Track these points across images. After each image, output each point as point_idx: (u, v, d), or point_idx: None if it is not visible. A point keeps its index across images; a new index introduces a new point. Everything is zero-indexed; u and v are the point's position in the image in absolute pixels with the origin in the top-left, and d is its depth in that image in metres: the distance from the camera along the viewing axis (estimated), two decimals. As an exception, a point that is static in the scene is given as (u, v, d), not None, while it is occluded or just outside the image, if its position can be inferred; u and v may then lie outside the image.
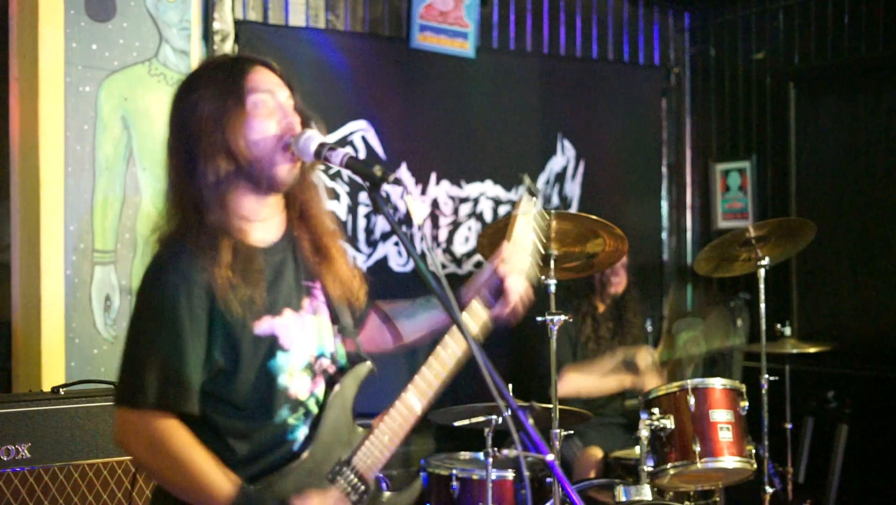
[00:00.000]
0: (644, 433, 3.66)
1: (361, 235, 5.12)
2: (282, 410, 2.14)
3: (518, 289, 2.35)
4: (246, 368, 2.10)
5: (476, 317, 2.31)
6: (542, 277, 3.57)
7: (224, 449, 2.11)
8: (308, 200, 2.28)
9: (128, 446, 2.11)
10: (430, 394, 2.27)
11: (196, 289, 2.07)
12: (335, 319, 2.28)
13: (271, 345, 2.13)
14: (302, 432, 2.17)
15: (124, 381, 2.10)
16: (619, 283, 4.91)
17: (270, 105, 2.16)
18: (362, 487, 2.20)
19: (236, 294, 2.08)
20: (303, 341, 2.18)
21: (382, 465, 2.24)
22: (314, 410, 2.19)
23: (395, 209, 4.81)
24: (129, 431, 2.09)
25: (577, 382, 4.65)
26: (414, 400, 2.24)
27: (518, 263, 2.40)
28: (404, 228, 5.14)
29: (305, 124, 2.21)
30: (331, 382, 2.23)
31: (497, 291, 2.35)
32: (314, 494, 2.11)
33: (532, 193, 2.50)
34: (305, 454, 2.16)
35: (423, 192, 5.30)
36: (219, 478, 2.05)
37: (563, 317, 3.58)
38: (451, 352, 2.29)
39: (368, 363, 2.29)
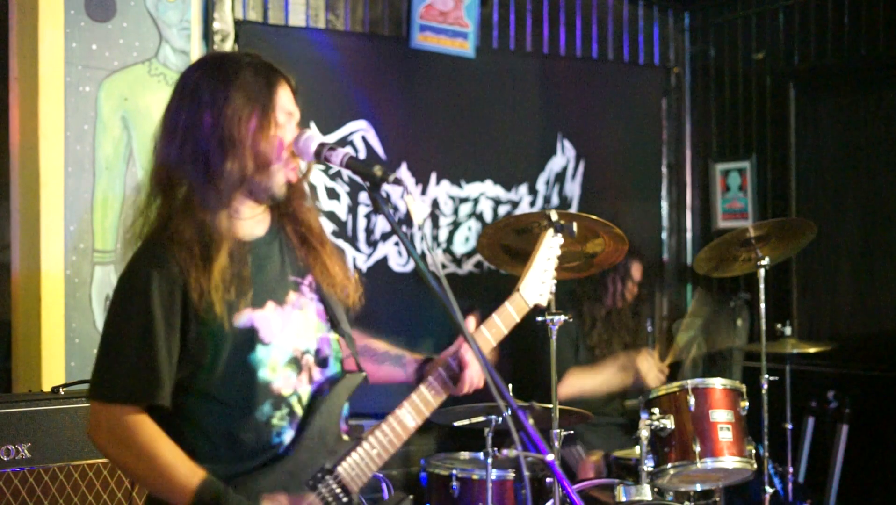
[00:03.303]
0: (644, 433, 3.66)
1: (361, 235, 5.12)
2: (264, 406, 2.13)
3: (475, 381, 2.32)
4: (225, 361, 2.10)
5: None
6: (567, 318, 3.59)
7: (209, 449, 2.11)
8: (295, 207, 2.28)
9: (97, 440, 2.12)
10: (426, 413, 2.26)
11: (171, 282, 2.07)
12: (332, 319, 2.27)
13: (251, 338, 2.12)
14: (288, 436, 2.16)
15: (96, 374, 2.11)
16: (634, 292, 4.94)
17: (291, 126, 2.19)
18: (345, 499, 2.17)
19: (214, 288, 2.08)
20: (285, 336, 2.17)
21: (368, 478, 2.21)
22: (298, 410, 2.17)
23: (395, 209, 4.82)
24: (99, 425, 2.10)
25: (580, 383, 4.65)
26: (408, 418, 2.23)
27: (533, 294, 2.44)
28: (404, 228, 5.15)
29: None
30: (320, 386, 2.21)
31: (454, 377, 2.31)
32: (287, 496, 2.09)
33: (557, 230, 2.54)
34: (287, 456, 2.14)
35: (423, 192, 5.30)
36: (184, 471, 2.05)
37: (563, 317, 3.57)
38: (453, 375, 2.28)
39: (363, 374, 2.28)
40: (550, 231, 2.56)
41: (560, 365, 4.41)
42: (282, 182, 2.17)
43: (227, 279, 2.09)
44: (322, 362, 2.23)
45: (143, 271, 2.08)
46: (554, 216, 2.63)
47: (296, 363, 2.18)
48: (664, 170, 6.33)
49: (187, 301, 2.07)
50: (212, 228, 2.12)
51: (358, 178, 2.13)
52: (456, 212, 5.42)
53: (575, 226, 2.64)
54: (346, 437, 2.22)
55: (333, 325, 2.27)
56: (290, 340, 2.17)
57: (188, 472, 2.05)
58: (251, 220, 2.21)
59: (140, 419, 2.07)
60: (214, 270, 2.08)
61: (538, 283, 2.48)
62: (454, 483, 3.87)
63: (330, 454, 2.18)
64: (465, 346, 2.30)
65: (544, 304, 2.49)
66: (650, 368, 4.65)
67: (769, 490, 4.35)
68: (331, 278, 2.28)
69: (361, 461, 2.19)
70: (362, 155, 5.06)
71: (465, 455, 4.23)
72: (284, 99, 2.18)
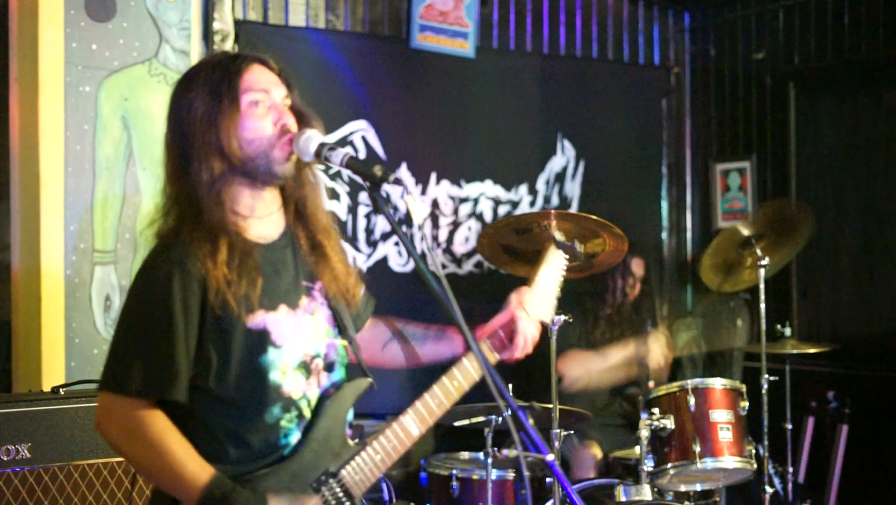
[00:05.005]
0: (644, 433, 3.66)
1: (361, 235, 5.12)
2: (273, 408, 2.14)
3: (530, 338, 2.40)
4: (236, 362, 2.10)
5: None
6: (567, 318, 3.58)
7: (217, 449, 2.11)
8: (305, 197, 2.28)
9: (107, 431, 2.12)
10: (430, 421, 2.28)
11: (190, 279, 2.08)
12: (338, 324, 2.28)
13: (263, 340, 2.13)
14: (295, 437, 2.17)
15: (110, 366, 2.11)
16: (636, 289, 4.93)
17: (266, 105, 2.17)
18: (347, 502, 2.17)
19: (230, 288, 2.09)
20: (297, 339, 2.17)
21: (371, 484, 2.22)
22: (307, 413, 2.18)
23: (396, 209, 4.82)
24: (110, 416, 2.10)
25: (587, 365, 4.57)
26: (412, 425, 2.25)
27: (537, 310, 2.45)
28: (404, 228, 5.15)
29: (303, 123, 2.21)
30: (326, 391, 2.22)
31: (510, 336, 2.39)
32: (293, 497, 2.10)
33: (561, 248, 2.58)
34: (292, 457, 2.15)
35: (423, 192, 5.30)
36: (194, 467, 2.05)
37: (563, 317, 3.57)
38: (456, 384, 2.30)
39: (369, 379, 2.28)
40: (552, 248, 2.59)
41: (559, 352, 4.43)
42: (280, 159, 2.15)
43: (233, 271, 2.09)
44: (329, 367, 2.24)
45: (163, 267, 2.09)
46: (558, 235, 2.68)
47: (305, 367, 2.19)
48: (664, 170, 6.33)
49: (205, 299, 2.08)
50: (216, 227, 2.12)
51: (358, 178, 2.12)
52: (456, 212, 5.42)
53: (577, 244, 2.69)
54: (350, 441, 2.23)
55: (340, 330, 2.28)
56: (300, 343, 2.18)
57: (198, 468, 2.05)
58: (267, 220, 2.22)
59: (153, 413, 2.07)
60: (218, 263, 2.08)
61: (542, 299, 2.51)
62: (454, 483, 3.87)
63: (334, 457, 2.19)
64: (516, 309, 2.38)
65: (549, 321, 2.52)
66: (659, 347, 4.62)
67: (769, 490, 4.35)
68: (339, 284, 2.28)
69: (365, 466, 2.20)
70: (362, 155, 5.06)
71: (465, 455, 4.23)
72: (253, 80, 2.16)
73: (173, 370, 2.06)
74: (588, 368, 4.62)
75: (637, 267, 4.92)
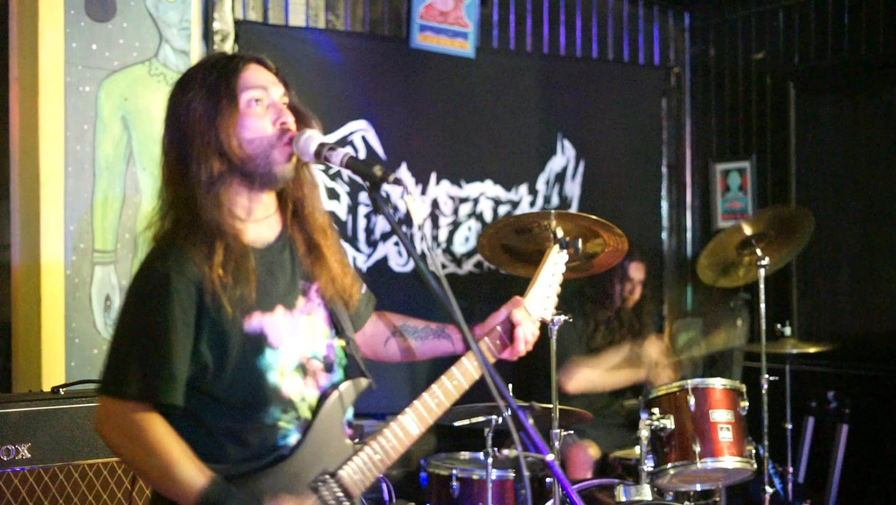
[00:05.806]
0: (644, 433, 3.66)
1: (361, 235, 5.12)
2: (273, 410, 2.14)
3: (529, 337, 2.42)
4: (234, 365, 2.10)
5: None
6: (568, 318, 3.59)
7: (216, 449, 2.12)
8: (302, 198, 2.27)
9: (106, 435, 2.12)
10: (430, 421, 2.28)
11: (187, 283, 2.07)
12: (335, 324, 2.28)
13: (260, 342, 2.12)
14: (294, 438, 2.17)
15: (108, 369, 2.11)
16: (636, 294, 4.93)
17: (265, 103, 2.16)
18: (346, 502, 2.18)
19: (227, 291, 2.08)
20: (293, 341, 2.17)
21: (370, 483, 2.22)
22: (306, 414, 2.18)
23: (395, 209, 4.82)
24: (109, 420, 2.10)
25: (589, 377, 4.64)
26: (411, 424, 2.25)
27: (537, 309, 2.46)
28: (404, 228, 5.15)
29: (301, 122, 2.21)
30: (325, 391, 2.22)
31: (509, 335, 2.41)
32: (290, 498, 2.10)
33: (563, 246, 2.61)
34: (291, 458, 2.15)
35: (423, 192, 5.30)
36: (191, 470, 2.05)
37: (563, 316, 3.57)
38: (456, 384, 2.31)
39: (368, 379, 2.29)
40: (556, 247, 2.60)
41: (564, 358, 4.47)
42: (280, 160, 2.15)
43: (227, 274, 2.09)
44: (328, 367, 2.24)
45: (161, 270, 2.09)
46: (560, 233, 2.69)
47: (302, 368, 2.19)
48: (664, 170, 6.33)
49: (202, 302, 2.08)
50: (213, 230, 2.12)
51: (358, 178, 2.12)
52: (456, 212, 5.42)
53: (580, 242, 2.70)
54: (349, 441, 2.23)
55: (338, 331, 2.28)
56: (298, 345, 2.18)
57: (195, 471, 2.05)
58: (264, 223, 2.21)
59: (151, 417, 2.07)
60: (214, 265, 2.08)
61: (543, 297, 2.53)
62: (454, 483, 3.87)
63: (333, 457, 2.19)
64: (515, 308, 2.40)
65: (549, 318, 2.53)
66: (657, 358, 4.65)
67: (769, 490, 4.35)
68: (336, 285, 2.28)
69: (364, 466, 2.20)
70: (362, 155, 5.07)
71: (465, 455, 4.23)
72: (250, 78, 2.16)
73: (171, 374, 2.06)
74: (588, 381, 4.64)
75: (636, 271, 4.93)
